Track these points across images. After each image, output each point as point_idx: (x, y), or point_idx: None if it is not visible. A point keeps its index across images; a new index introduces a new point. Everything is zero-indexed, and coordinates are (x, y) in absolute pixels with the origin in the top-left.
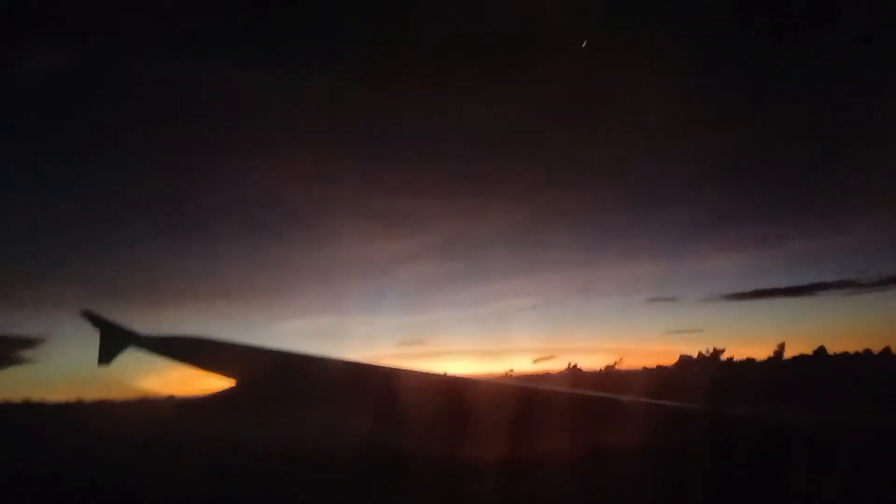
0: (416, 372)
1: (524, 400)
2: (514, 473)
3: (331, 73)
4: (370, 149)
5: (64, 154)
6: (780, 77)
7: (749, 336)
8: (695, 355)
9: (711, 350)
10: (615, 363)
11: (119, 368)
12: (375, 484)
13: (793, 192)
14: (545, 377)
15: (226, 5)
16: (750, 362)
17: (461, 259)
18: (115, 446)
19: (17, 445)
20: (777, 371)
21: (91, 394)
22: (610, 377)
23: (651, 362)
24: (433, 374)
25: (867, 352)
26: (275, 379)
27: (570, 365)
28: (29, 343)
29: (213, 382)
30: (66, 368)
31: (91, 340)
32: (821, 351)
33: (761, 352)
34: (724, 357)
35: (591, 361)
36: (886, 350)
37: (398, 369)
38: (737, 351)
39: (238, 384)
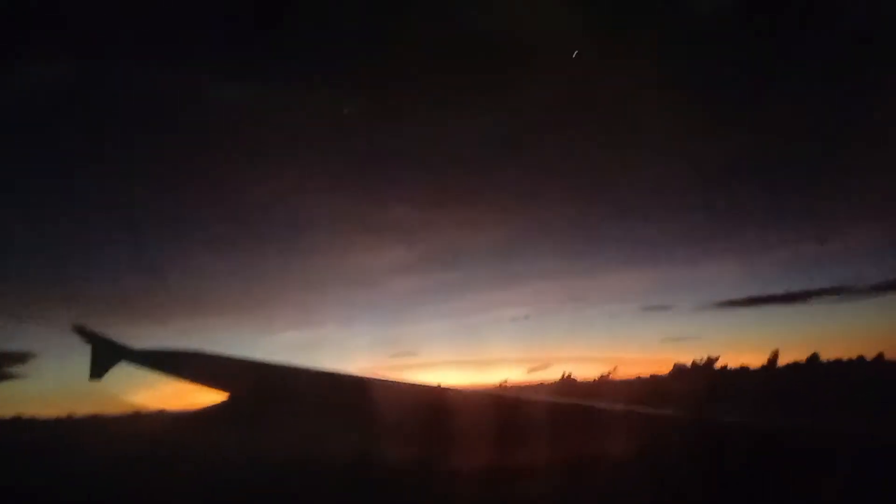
0: (408, 384)
1: (516, 410)
2: (505, 483)
3: (321, 85)
4: (361, 160)
5: (55, 168)
6: (771, 85)
7: (743, 343)
8: (689, 364)
9: (705, 358)
10: (609, 372)
11: (111, 383)
12: (368, 495)
13: (785, 199)
14: (539, 387)
15: (220, 18)
16: (744, 370)
17: (453, 269)
18: (107, 461)
19: (7, 462)
20: (771, 378)
21: (83, 409)
22: (604, 387)
23: (645, 371)
24: (425, 386)
25: (860, 358)
26: (267, 392)
27: (564, 375)
28: (19, 358)
29: (205, 396)
30: (57, 383)
31: (82, 355)
32: (814, 358)
33: (755, 359)
34: (718, 365)
35: (586, 371)
36: (880, 357)
37: (391, 381)
38: (731, 358)
39: (230, 397)
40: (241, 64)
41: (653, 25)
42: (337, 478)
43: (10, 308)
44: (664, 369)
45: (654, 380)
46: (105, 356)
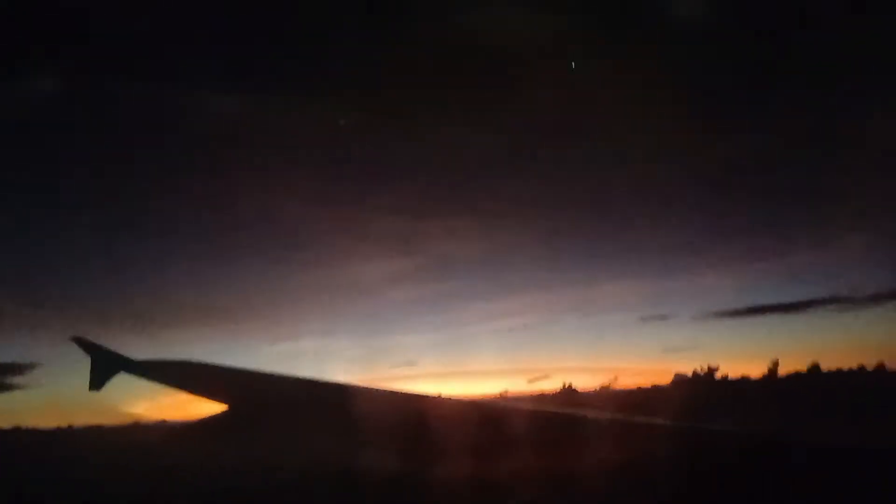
0: (407, 394)
1: (515, 420)
2: (505, 493)
3: (317, 96)
4: (362, 170)
5: (55, 179)
6: (770, 95)
7: (743, 353)
8: (689, 374)
9: (706, 368)
10: (610, 382)
11: (110, 394)
12: None
13: (784, 209)
14: (540, 397)
15: (223, 32)
16: (744, 380)
17: (452, 279)
18: (107, 472)
19: (7, 473)
20: (772, 388)
21: (82, 419)
22: (605, 397)
23: (646, 381)
24: (424, 397)
25: (861, 368)
26: (267, 403)
27: (564, 385)
28: (19, 369)
29: (204, 407)
30: (57, 394)
31: (82, 366)
32: (815, 368)
33: (755, 369)
34: (718, 375)
35: (586, 381)
36: (881, 366)
37: (390, 392)
38: (731, 368)
39: (230, 408)
40: (241, 76)
41: (652, 39)
42: (335, 488)
43: (11, 319)
44: (665, 379)
45: (656, 390)
46: (104, 367)
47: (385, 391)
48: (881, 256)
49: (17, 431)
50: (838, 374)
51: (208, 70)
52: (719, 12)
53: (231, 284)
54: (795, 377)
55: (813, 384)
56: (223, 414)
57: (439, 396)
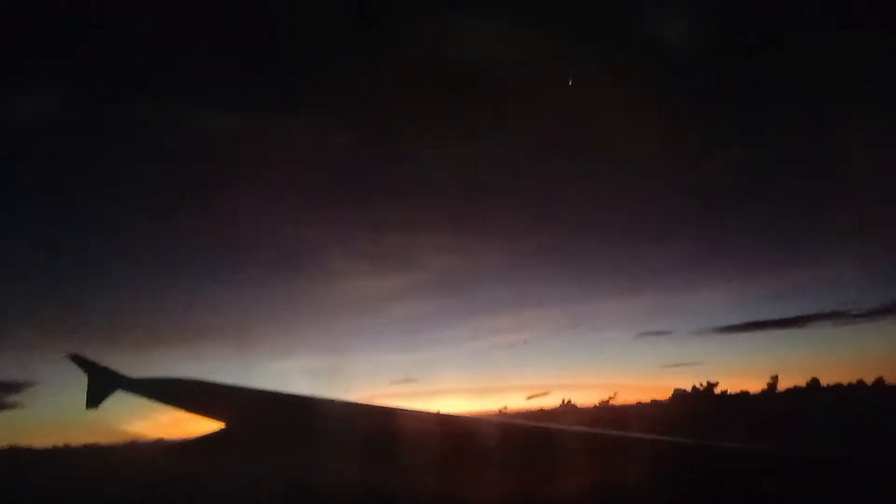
0: (409, 411)
1: (518, 438)
2: None
3: (319, 115)
4: (362, 188)
5: (52, 197)
6: (767, 110)
7: (742, 368)
8: (689, 389)
9: (705, 384)
10: (609, 399)
11: (107, 412)
12: None
13: (783, 224)
14: (540, 414)
15: (221, 52)
16: (744, 395)
17: (453, 296)
18: (104, 491)
19: (4, 493)
20: (771, 403)
21: (79, 438)
22: (605, 413)
23: (646, 397)
24: (426, 414)
25: (860, 382)
26: (266, 421)
27: (564, 401)
28: (15, 388)
29: (203, 425)
30: (53, 413)
31: (79, 384)
32: (814, 383)
33: (755, 384)
34: (717, 390)
35: (586, 397)
36: (879, 381)
37: (391, 409)
38: (731, 384)
39: (228, 426)
40: (242, 95)
41: (648, 54)
42: None
43: (7, 337)
44: (664, 395)
45: (655, 406)
46: (102, 385)
47: (384, 408)
48: (879, 271)
49: (13, 450)
50: (837, 389)
51: (210, 90)
52: (717, 27)
53: (229, 302)
54: (795, 392)
55: (812, 399)
56: (221, 432)
57: (438, 413)
